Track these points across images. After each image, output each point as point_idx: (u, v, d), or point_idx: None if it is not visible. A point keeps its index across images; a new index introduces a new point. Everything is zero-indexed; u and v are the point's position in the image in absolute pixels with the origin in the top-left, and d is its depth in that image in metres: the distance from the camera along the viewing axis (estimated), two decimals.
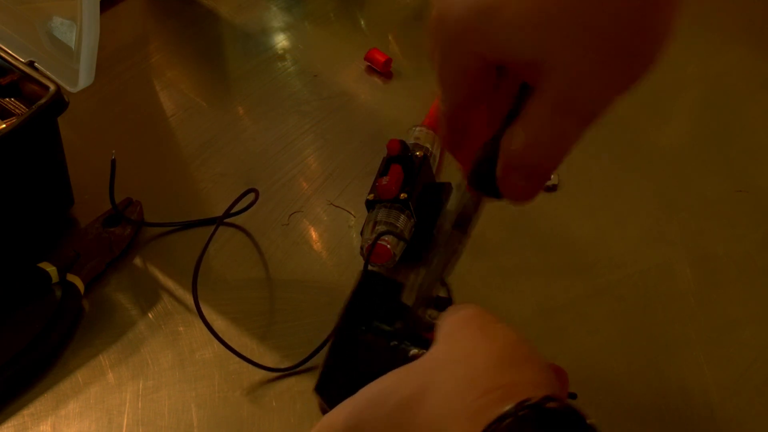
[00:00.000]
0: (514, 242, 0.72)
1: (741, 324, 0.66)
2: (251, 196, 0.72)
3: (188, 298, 0.66)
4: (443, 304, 0.54)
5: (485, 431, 0.39)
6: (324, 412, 0.49)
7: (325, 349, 0.54)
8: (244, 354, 0.63)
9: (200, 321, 0.64)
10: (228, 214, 0.71)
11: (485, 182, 0.47)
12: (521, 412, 0.39)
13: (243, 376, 0.63)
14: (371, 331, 0.54)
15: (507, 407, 0.39)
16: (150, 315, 0.66)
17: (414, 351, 0.51)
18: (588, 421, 0.40)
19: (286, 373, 0.63)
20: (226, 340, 0.64)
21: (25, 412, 0.61)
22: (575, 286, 0.69)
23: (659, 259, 0.70)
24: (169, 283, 0.68)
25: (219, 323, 0.66)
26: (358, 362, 0.52)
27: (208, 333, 0.64)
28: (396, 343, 0.53)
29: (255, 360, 0.63)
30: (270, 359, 0.63)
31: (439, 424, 0.41)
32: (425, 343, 0.50)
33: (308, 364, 0.63)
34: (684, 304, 0.67)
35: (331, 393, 0.53)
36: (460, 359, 0.43)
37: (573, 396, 0.61)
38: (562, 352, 0.64)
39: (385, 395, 0.43)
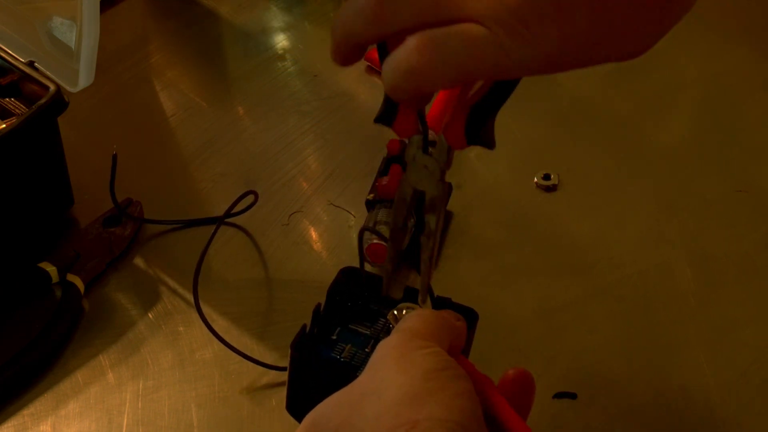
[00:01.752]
0: (514, 242, 0.72)
1: (741, 324, 0.66)
2: (251, 198, 0.72)
3: (188, 298, 0.66)
4: (443, 304, 0.54)
5: None
6: None
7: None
8: (246, 353, 0.63)
9: (200, 321, 0.64)
10: (228, 214, 0.71)
11: (484, 135, 0.46)
12: None
13: (243, 376, 0.63)
14: (344, 339, 0.54)
15: None
16: (150, 315, 0.66)
17: (360, 372, 0.51)
18: None
19: (285, 370, 0.63)
20: (227, 340, 0.64)
21: (25, 412, 0.61)
22: (575, 286, 0.69)
23: (659, 259, 0.70)
24: (170, 283, 0.68)
25: (219, 323, 0.66)
26: (316, 379, 0.52)
27: (209, 333, 0.64)
28: (369, 350, 0.53)
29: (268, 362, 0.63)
30: (270, 359, 0.63)
31: None
32: None
33: None
34: (684, 305, 0.67)
35: (300, 410, 0.53)
36: (373, 392, 0.42)
37: (573, 396, 0.61)
38: (562, 352, 0.64)
39: (319, 426, 0.43)
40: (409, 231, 0.67)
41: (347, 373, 0.51)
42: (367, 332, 0.54)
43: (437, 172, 0.49)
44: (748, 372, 0.64)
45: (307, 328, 0.54)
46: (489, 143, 0.45)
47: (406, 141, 0.50)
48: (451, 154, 0.49)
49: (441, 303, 0.54)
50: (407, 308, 0.54)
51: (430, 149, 0.49)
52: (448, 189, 0.72)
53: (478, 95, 0.45)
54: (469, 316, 0.53)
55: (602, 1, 0.38)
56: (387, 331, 0.54)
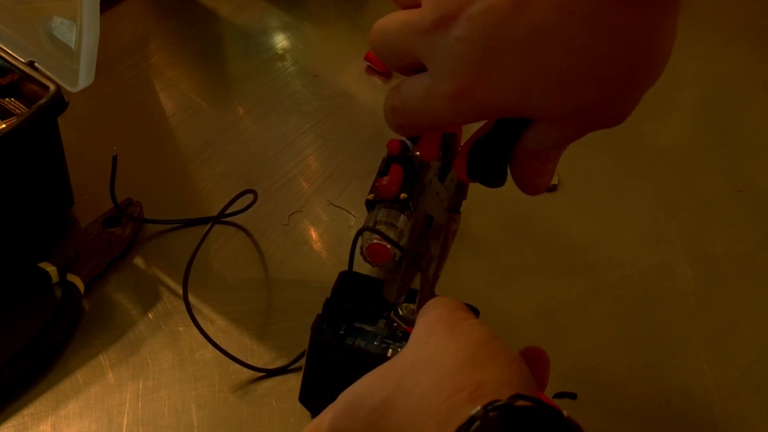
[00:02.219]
0: (514, 242, 0.72)
1: (741, 324, 0.66)
2: (250, 197, 0.72)
3: (188, 298, 0.67)
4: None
5: None
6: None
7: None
8: (245, 354, 0.63)
9: (200, 321, 0.64)
10: (223, 214, 0.70)
11: (484, 171, 0.46)
12: (490, 413, 0.38)
13: (243, 376, 0.63)
14: (351, 334, 0.54)
15: (474, 409, 0.38)
16: (150, 315, 0.66)
17: (390, 352, 0.51)
18: (565, 415, 0.39)
19: (283, 372, 0.63)
20: (226, 340, 0.64)
21: (25, 412, 0.61)
22: (575, 286, 0.69)
23: (659, 259, 0.70)
24: (169, 284, 0.68)
25: (219, 323, 0.66)
26: (336, 368, 0.52)
27: (208, 333, 0.64)
28: (377, 344, 0.53)
29: (255, 359, 0.63)
30: (270, 359, 0.63)
31: (411, 429, 0.41)
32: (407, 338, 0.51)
33: (300, 361, 0.63)
34: (684, 304, 0.68)
35: (314, 401, 0.53)
36: (427, 361, 0.42)
37: (573, 396, 0.61)
38: (562, 352, 0.64)
39: (360, 401, 0.43)
40: (409, 231, 0.68)
41: (370, 359, 0.50)
42: (372, 329, 0.54)
43: (445, 201, 0.49)
44: (748, 372, 0.64)
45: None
46: (488, 181, 0.46)
47: (426, 164, 0.51)
48: (464, 185, 0.49)
49: None
50: (410, 305, 0.54)
51: (448, 178, 0.49)
52: (458, 220, 0.72)
53: (483, 131, 0.45)
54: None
55: (533, 53, 0.39)
56: (391, 333, 0.55)
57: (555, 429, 0.38)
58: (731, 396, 0.62)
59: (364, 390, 0.43)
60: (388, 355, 0.51)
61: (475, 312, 0.54)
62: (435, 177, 0.49)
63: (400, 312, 0.54)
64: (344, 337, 0.54)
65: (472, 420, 0.38)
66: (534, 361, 0.47)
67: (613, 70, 0.39)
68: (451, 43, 0.40)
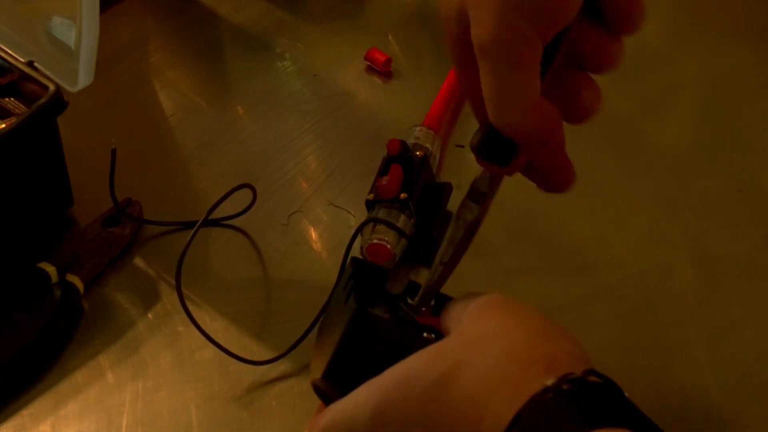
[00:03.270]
0: (515, 242, 0.72)
1: (741, 324, 0.66)
2: (248, 195, 0.71)
3: (188, 298, 0.66)
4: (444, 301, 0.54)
5: (528, 403, 0.39)
6: (327, 402, 0.49)
7: (308, 339, 0.53)
8: (245, 354, 0.63)
9: (200, 321, 0.64)
10: (213, 210, 0.68)
11: (489, 151, 0.46)
12: (564, 385, 0.39)
13: (243, 376, 0.63)
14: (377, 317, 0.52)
15: (550, 380, 0.39)
16: (149, 315, 0.66)
17: (425, 335, 0.50)
18: (627, 396, 0.40)
19: (284, 372, 0.63)
20: (226, 340, 0.64)
21: (25, 412, 0.61)
22: (575, 286, 0.69)
23: (659, 259, 0.70)
24: (169, 284, 0.68)
25: (218, 323, 0.66)
26: (374, 344, 0.50)
27: (208, 333, 0.64)
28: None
29: (255, 359, 0.63)
30: (269, 358, 0.63)
31: (479, 396, 0.41)
32: (422, 329, 0.50)
33: (299, 360, 0.63)
34: (684, 305, 0.67)
35: (341, 380, 0.51)
36: (495, 335, 0.43)
37: None
38: None
39: (416, 375, 0.43)
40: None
41: (419, 340, 0.49)
42: (386, 316, 0.53)
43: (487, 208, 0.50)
44: (748, 372, 0.64)
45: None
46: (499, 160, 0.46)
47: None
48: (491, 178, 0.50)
49: (443, 299, 0.54)
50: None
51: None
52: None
53: None
54: None
55: None
56: (402, 319, 0.53)
57: (622, 408, 0.40)
58: (731, 396, 0.62)
59: (420, 364, 0.44)
60: (425, 336, 0.50)
61: (443, 300, 0.54)
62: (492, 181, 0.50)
63: (411, 303, 0.54)
64: (381, 316, 0.53)
65: (546, 391, 0.39)
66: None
67: None
68: None
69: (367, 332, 0.50)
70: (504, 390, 0.41)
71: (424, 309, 0.53)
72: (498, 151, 0.46)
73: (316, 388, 0.51)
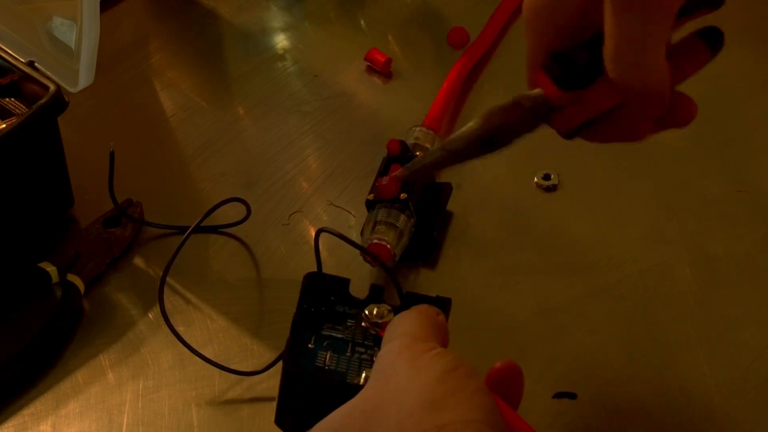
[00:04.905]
0: (514, 242, 0.72)
1: (741, 324, 0.66)
2: (247, 196, 0.71)
3: (189, 298, 0.67)
4: (411, 299, 0.54)
5: None
6: None
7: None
8: (245, 353, 0.63)
9: (200, 321, 0.64)
10: (203, 219, 0.68)
11: (570, 72, 0.44)
12: None
13: (243, 376, 0.63)
14: (321, 346, 0.54)
15: None
16: (150, 315, 0.66)
17: (363, 378, 0.51)
18: None
19: (256, 373, 0.63)
20: (226, 340, 0.64)
21: (25, 412, 0.61)
22: (575, 286, 0.69)
23: (659, 259, 0.70)
24: (169, 284, 0.68)
25: (219, 323, 0.66)
26: (308, 393, 0.52)
27: (209, 333, 0.64)
28: (349, 354, 0.53)
29: (255, 359, 0.63)
30: (269, 358, 0.63)
31: None
32: (379, 341, 0.50)
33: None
34: (684, 304, 0.67)
35: (290, 426, 0.53)
36: (389, 402, 0.42)
37: (573, 396, 0.61)
38: (562, 352, 0.64)
39: None
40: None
41: (344, 388, 0.51)
42: (341, 336, 0.54)
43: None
44: (748, 372, 0.64)
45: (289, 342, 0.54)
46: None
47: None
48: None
49: (410, 298, 0.54)
50: (378, 308, 0.54)
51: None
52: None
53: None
54: (443, 305, 0.54)
55: None
56: (363, 334, 0.54)
57: None
58: (731, 396, 0.62)
59: (336, 429, 0.43)
60: (361, 382, 0.51)
61: (448, 302, 0.54)
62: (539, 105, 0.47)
63: (369, 316, 0.54)
64: (314, 352, 0.54)
65: None
66: (506, 378, 0.47)
67: None
68: None
69: (299, 387, 0.52)
70: None
71: (382, 322, 0.54)
72: (571, 73, 0.44)
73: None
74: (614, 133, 0.47)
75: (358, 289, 0.58)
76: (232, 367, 0.62)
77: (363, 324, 0.54)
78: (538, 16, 0.45)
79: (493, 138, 0.48)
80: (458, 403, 0.41)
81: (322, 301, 0.56)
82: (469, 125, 0.48)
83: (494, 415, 0.41)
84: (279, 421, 0.55)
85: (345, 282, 0.57)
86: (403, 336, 0.45)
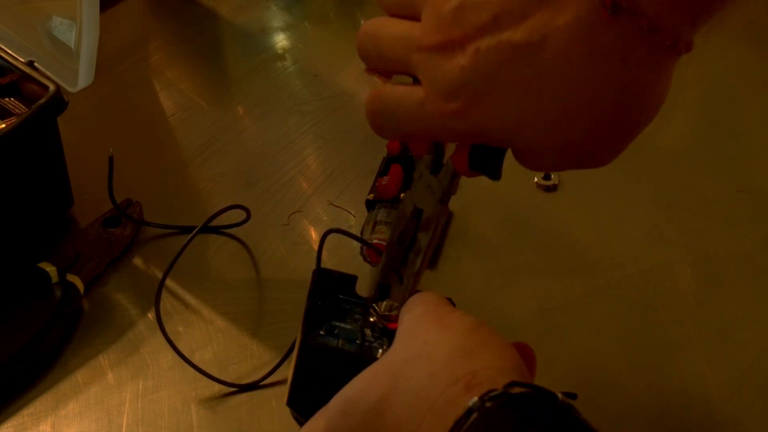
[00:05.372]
0: (514, 242, 0.72)
1: (741, 324, 0.66)
2: (246, 199, 0.71)
3: (188, 299, 0.67)
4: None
5: (454, 428, 0.38)
6: (300, 424, 0.49)
7: (291, 360, 0.54)
8: (245, 354, 0.63)
9: (200, 321, 0.64)
10: (207, 223, 0.69)
11: (486, 164, 0.46)
12: (487, 404, 0.38)
13: (243, 376, 0.63)
14: (332, 334, 0.54)
15: (472, 401, 0.38)
16: (150, 315, 0.66)
17: (380, 352, 0.51)
18: (560, 399, 0.39)
19: (285, 372, 0.63)
20: (226, 340, 0.64)
21: (25, 412, 0.61)
22: (575, 286, 0.69)
23: (659, 259, 0.70)
24: (169, 284, 0.68)
25: (218, 323, 0.66)
26: (326, 370, 0.52)
27: (208, 333, 0.64)
28: (360, 342, 0.53)
29: (255, 359, 0.63)
30: (269, 358, 0.63)
31: (409, 426, 0.40)
32: (391, 334, 0.50)
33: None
34: (684, 305, 0.67)
35: (303, 405, 0.53)
36: (418, 356, 0.42)
37: (573, 396, 0.61)
38: (562, 352, 0.64)
39: (353, 404, 0.43)
40: (404, 244, 0.67)
41: (361, 360, 0.50)
42: (350, 327, 0.54)
43: (438, 193, 0.49)
44: (748, 372, 0.64)
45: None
46: (492, 173, 0.46)
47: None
48: (456, 179, 0.49)
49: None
50: (386, 302, 0.54)
51: (441, 171, 0.49)
52: (447, 214, 0.72)
53: None
54: None
55: (533, 94, 0.40)
56: (371, 328, 0.54)
57: (551, 414, 0.38)
58: (731, 396, 0.62)
59: (357, 392, 0.43)
60: (378, 355, 0.51)
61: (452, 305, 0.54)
62: (426, 170, 0.49)
63: (378, 309, 0.54)
64: (326, 339, 0.54)
65: (469, 412, 0.38)
66: (521, 354, 0.47)
67: (605, 119, 0.41)
68: (453, 68, 0.41)
69: (317, 362, 0.51)
70: (430, 418, 0.40)
71: (391, 314, 0.53)
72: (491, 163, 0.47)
73: (291, 412, 0.53)
74: None
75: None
76: (232, 367, 0.62)
77: (371, 318, 0.54)
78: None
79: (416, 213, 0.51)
80: (489, 352, 0.42)
81: (331, 297, 0.56)
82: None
83: (522, 367, 0.42)
84: (293, 401, 0.54)
85: (352, 279, 0.57)
86: (425, 303, 0.46)
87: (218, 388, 0.62)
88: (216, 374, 0.63)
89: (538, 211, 0.74)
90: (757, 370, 0.64)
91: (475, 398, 0.38)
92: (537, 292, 0.68)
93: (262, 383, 0.62)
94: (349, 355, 0.51)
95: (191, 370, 0.63)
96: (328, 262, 0.70)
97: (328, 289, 0.56)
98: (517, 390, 0.38)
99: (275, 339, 0.65)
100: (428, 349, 0.42)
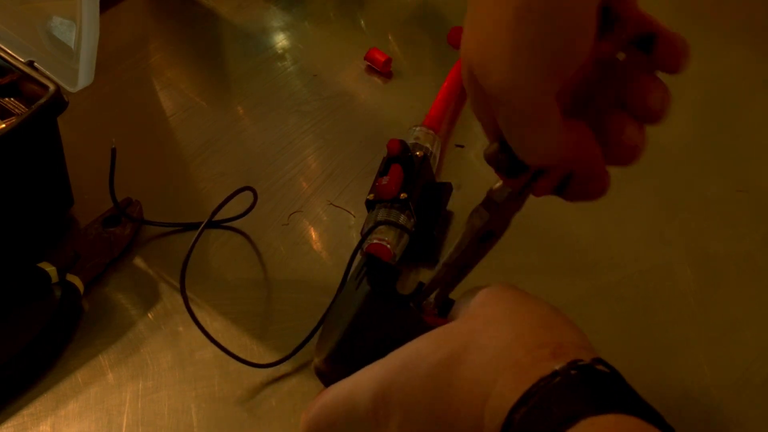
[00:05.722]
0: (515, 242, 0.72)
1: (741, 324, 0.66)
2: (248, 196, 0.71)
3: (189, 298, 0.66)
4: (444, 304, 0.54)
5: (535, 385, 0.40)
6: (329, 386, 0.48)
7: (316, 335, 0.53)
8: (245, 354, 0.63)
9: (200, 321, 0.64)
10: (216, 217, 0.69)
11: (500, 164, 0.48)
12: (573, 371, 0.40)
13: (243, 376, 0.63)
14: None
15: (558, 365, 0.40)
16: (150, 315, 0.66)
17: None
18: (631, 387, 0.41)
19: (285, 372, 0.63)
20: (226, 341, 0.64)
21: (25, 412, 0.61)
22: (575, 286, 0.69)
23: (659, 259, 0.70)
24: (169, 284, 0.68)
25: (218, 323, 0.66)
26: (383, 330, 0.50)
27: (208, 333, 0.64)
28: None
29: (255, 360, 0.63)
30: (270, 359, 0.63)
31: (485, 377, 0.42)
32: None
33: (300, 361, 0.63)
34: (684, 305, 0.67)
35: (346, 362, 0.50)
36: (503, 320, 0.44)
37: None
38: None
39: (422, 356, 0.43)
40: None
41: (418, 324, 0.49)
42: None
43: (509, 218, 0.52)
44: (748, 372, 0.64)
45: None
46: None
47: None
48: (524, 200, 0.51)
49: (447, 305, 0.54)
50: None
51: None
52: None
53: None
54: (445, 306, 0.54)
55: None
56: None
57: (630, 396, 0.42)
58: (731, 396, 0.62)
59: (428, 345, 0.44)
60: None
61: (450, 303, 0.54)
62: (511, 194, 0.51)
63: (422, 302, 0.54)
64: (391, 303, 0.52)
65: (554, 374, 0.40)
66: None
67: None
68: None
69: (378, 315, 0.49)
70: (510, 372, 0.41)
71: (431, 309, 0.53)
72: (510, 165, 0.48)
73: (319, 371, 0.51)
74: (582, 192, 0.52)
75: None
76: (232, 367, 0.62)
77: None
78: (476, 113, 0.48)
79: (484, 238, 0.53)
80: (572, 330, 0.45)
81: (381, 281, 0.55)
82: (460, 237, 0.53)
83: (594, 350, 0.44)
84: (335, 358, 0.50)
85: (396, 272, 0.55)
86: (500, 283, 0.48)
87: (218, 387, 0.62)
88: (216, 374, 0.63)
89: (538, 211, 0.73)
90: (757, 370, 0.64)
91: (562, 364, 0.40)
92: (537, 292, 0.68)
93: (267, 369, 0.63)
94: (413, 317, 0.50)
95: (191, 369, 0.63)
96: (328, 262, 0.70)
97: (377, 275, 0.54)
98: (600, 368, 0.41)
99: (276, 339, 0.65)
100: (514, 316, 0.44)
